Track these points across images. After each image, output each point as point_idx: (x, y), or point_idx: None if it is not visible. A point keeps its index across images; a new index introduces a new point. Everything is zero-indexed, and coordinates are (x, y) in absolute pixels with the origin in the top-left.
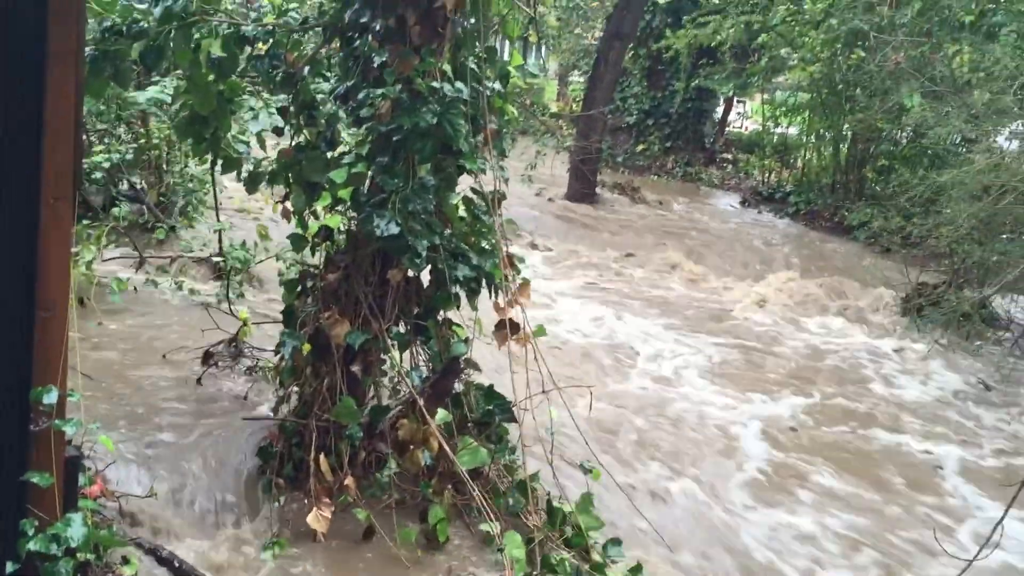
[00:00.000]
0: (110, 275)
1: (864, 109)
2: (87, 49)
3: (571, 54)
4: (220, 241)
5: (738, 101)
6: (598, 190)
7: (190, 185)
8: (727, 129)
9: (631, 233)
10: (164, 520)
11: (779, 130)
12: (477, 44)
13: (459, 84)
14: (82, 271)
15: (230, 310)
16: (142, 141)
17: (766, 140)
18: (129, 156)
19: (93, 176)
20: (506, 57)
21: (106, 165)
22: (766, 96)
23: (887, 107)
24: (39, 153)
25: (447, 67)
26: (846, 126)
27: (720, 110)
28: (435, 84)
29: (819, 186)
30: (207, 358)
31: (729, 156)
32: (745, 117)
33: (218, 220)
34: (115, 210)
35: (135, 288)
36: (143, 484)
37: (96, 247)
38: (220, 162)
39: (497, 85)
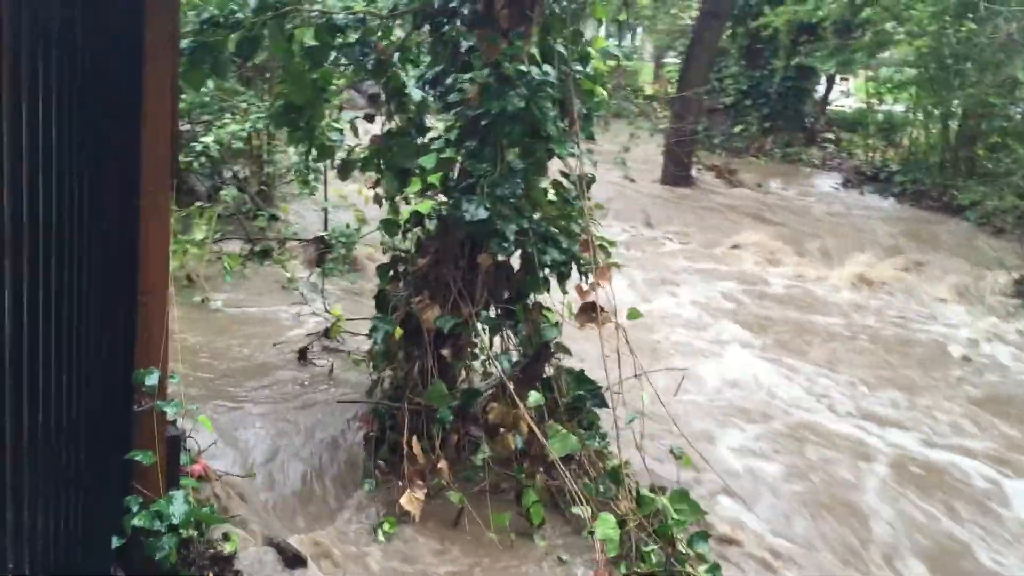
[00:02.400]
0: (215, 258)
1: (975, 84)
2: (186, 41)
3: (667, 35)
4: (326, 221)
5: (841, 79)
6: (694, 173)
7: (290, 175)
8: (828, 108)
9: (727, 216)
10: (264, 498)
11: (884, 107)
12: (565, 27)
13: (547, 68)
14: (194, 250)
15: (324, 306)
16: (244, 131)
17: (870, 118)
18: (235, 145)
19: (197, 164)
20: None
21: (213, 153)
22: (870, 73)
23: (999, 81)
24: (139, 143)
25: (535, 51)
26: (956, 102)
27: (821, 88)
28: (523, 68)
29: (927, 165)
30: (303, 354)
31: (831, 136)
32: (847, 95)
33: (325, 199)
34: (222, 192)
35: (244, 264)
36: (242, 464)
37: (207, 226)
38: (314, 150)
39: (581, 67)
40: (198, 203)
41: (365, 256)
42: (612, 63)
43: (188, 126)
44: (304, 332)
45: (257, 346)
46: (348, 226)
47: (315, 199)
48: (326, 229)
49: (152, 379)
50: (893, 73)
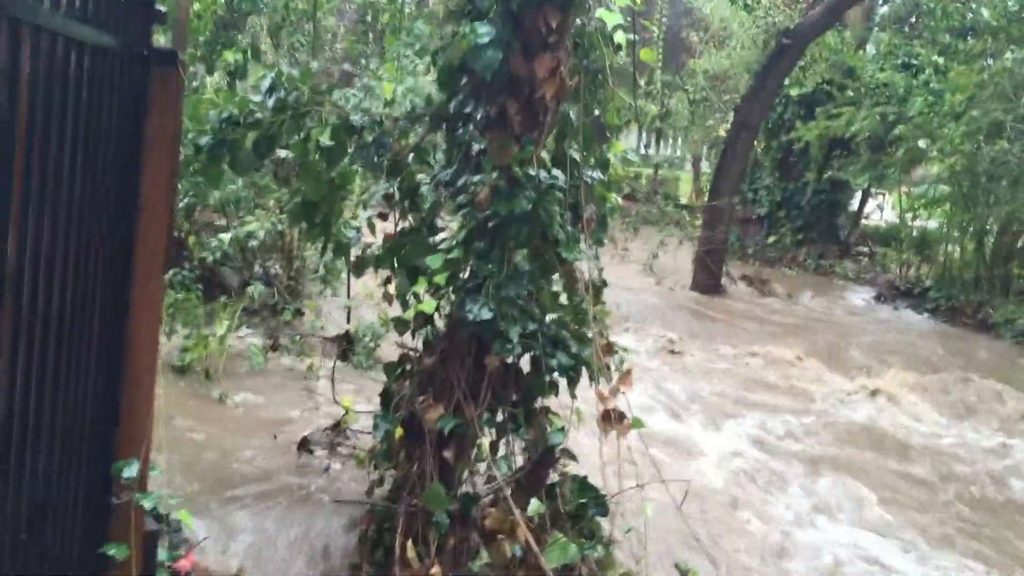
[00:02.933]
0: (242, 354)
1: (1008, 201)
2: (205, 138)
3: (701, 144)
4: (348, 316)
5: (877, 193)
6: (725, 282)
7: (319, 271)
8: (863, 221)
9: (756, 327)
10: None
11: (918, 223)
12: (579, 132)
13: (556, 172)
14: (214, 345)
15: (334, 398)
16: (273, 226)
17: (904, 233)
18: (254, 239)
19: (214, 258)
20: (636, 144)
21: (229, 250)
22: (904, 188)
23: None
24: (134, 234)
25: (546, 155)
26: (990, 219)
27: (856, 202)
28: (532, 171)
29: (961, 281)
30: (303, 445)
31: (865, 249)
32: (882, 209)
33: (348, 296)
34: (249, 288)
35: (266, 357)
36: (236, 560)
37: (229, 322)
38: (331, 247)
39: (598, 173)
40: (223, 297)
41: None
42: (633, 170)
43: (224, 221)
44: (316, 426)
45: (267, 440)
46: (371, 324)
47: (340, 298)
48: (348, 324)
49: (131, 471)
50: (927, 189)
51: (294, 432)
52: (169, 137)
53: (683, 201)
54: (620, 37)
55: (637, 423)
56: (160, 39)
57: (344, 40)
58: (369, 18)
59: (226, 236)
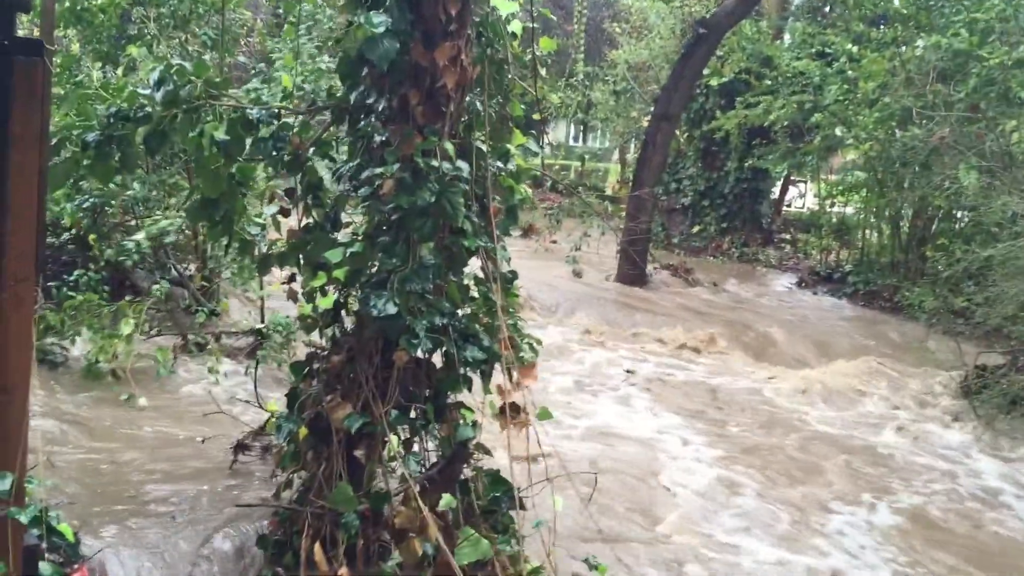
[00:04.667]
0: (151, 354)
1: (921, 186)
2: (92, 135)
3: (625, 135)
4: (262, 313)
5: (798, 181)
6: (650, 272)
7: (230, 269)
8: (785, 209)
9: (678, 316)
10: None
11: (836, 209)
12: (484, 123)
13: (460, 163)
14: (121, 346)
15: (258, 403)
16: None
17: (823, 219)
18: (169, 235)
19: (137, 257)
20: (565, 137)
21: (146, 249)
22: (824, 176)
23: (940, 183)
24: (1, 235)
25: (452, 147)
26: (905, 204)
27: (777, 190)
28: (434, 163)
29: (878, 265)
30: (237, 450)
31: (787, 236)
32: (803, 196)
33: (260, 288)
34: (155, 287)
35: (175, 359)
36: (139, 572)
37: (135, 321)
38: (235, 245)
39: (510, 165)
40: (128, 297)
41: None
42: (560, 162)
43: (134, 221)
44: (233, 427)
45: (179, 444)
46: (288, 317)
47: (254, 296)
48: (263, 321)
49: (5, 484)
50: (844, 176)
51: (210, 431)
52: (35, 133)
53: (608, 192)
54: (516, 26)
55: (544, 414)
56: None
57: (258, 35)
58: (282, 11)
59: (140, 235)
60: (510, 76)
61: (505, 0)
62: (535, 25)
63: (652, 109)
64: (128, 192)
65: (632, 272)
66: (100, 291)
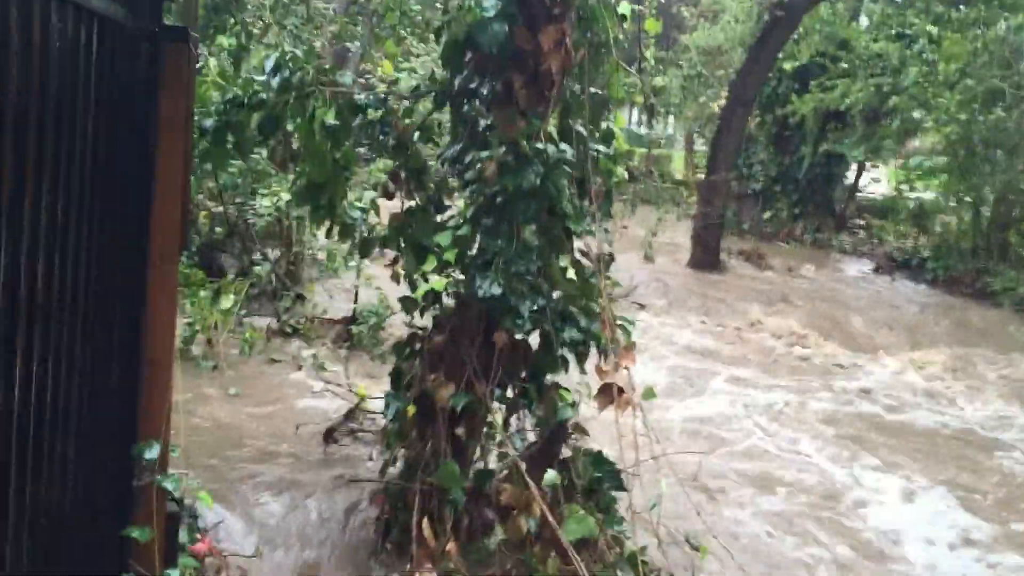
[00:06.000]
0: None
1: (1005, 170)
2: (210, 120)
3: (695, 121)
4: (356, 297)
5: (871, 166)
6: (723, 257)
7: (318, 255)
8: (858, 194)
9: (757, 301)
10: None
11: (914, 194)
12: (584, 106)
13: (563, 145)
14: (218, 318)
15: (348, 386)
16: (273, 212)
17: (900, 205)
18: (259, 225)
19: (227, 243)
20: (628, 123)
21: (260, 223)
22: (899, 160)
23: None
24: (148, 215)
25: (552, 129)
26: (987, 188)
27: (851, 175)
28: (539, 146)
29: (958, 251)
30: (328, 435)
31: (861, 222)
32: (878, 181)
33: (358, 277)
34: (256, 268)
35: (268, 340)
36: (251, 543)
37: (236, 296)
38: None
39: (603, 147)
40: (229, 277)
41: (394, 338)
42: (636, 146)
43: (220, 208)
44: (323, 412)
45: (275, 424)
46: (378, 304)
47: (340, 282)
48: (355, 305)
49: (152, 453)
50: (923, 161)
51: (303, 413)
52: (183, 116)
53: (678, 178)
54: (624, 7)
55: (649, 394)
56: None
57: (336, 22)
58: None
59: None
60: (613, 57)
61: None
62: (641, 7)
63: (724, 94)
64: (220, 179)
65: (706, 257)
66: (195, 271)
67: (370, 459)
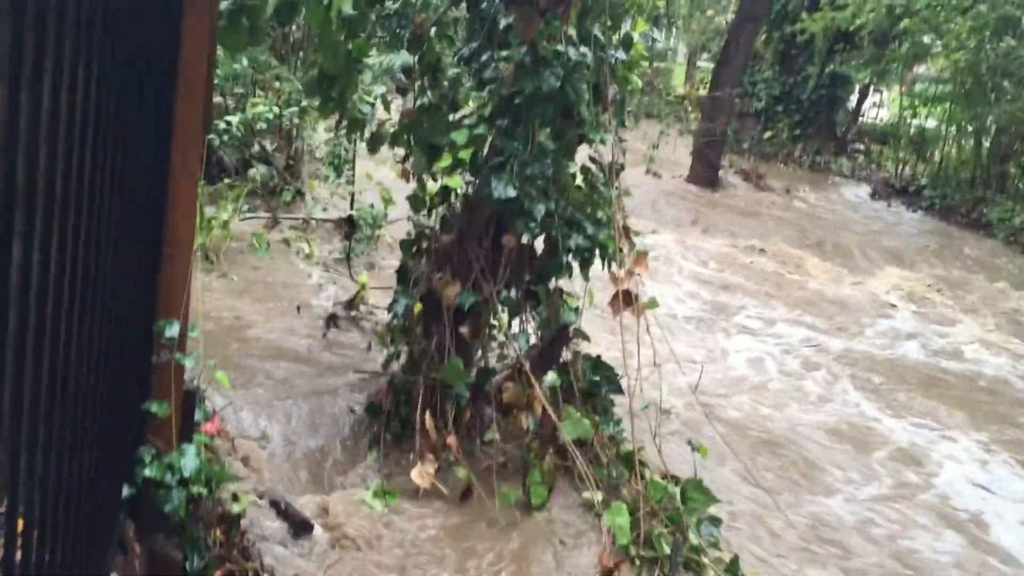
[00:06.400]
0: (242, 234)
1: (1011, 101)
2: (224, 3)
3: (701, 35)
4: (352, 201)
5: (875, 90)
6: (721, 174)
7: (316, 152)
8: (861, 118)
9: (754, 220)
10: (274, 463)
11: (916, 121)
12: (603, 10)
13: (583, 49)
14: (217, 230)
15: (350, 274)
16: (274, 107)
17: (902, 131)
18: (262, 121)
19: (227, 138)
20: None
21: (237, 132)
22: (904, 86)
23: None
24: (172, 99)
25: (572, 32)
26: (990, 118)
27: (854, 99)
28: (559, 48)
29: (957, 180)
30: (330, 321)
31: (861, 146)
32: (880, 106)
33: (353, 180)
34: (251, 171)
35: (268, 244)
36: (257, 428)
37: (234, 207)
38: (345, 122)
39: (621, 53)
40: (226, 179)
41: (388, 238)
42: (644, 56)
43: (220, 98)
44: (324, 303)
45: (276, 316)
46: (372, 206)
47: (339, 180)
48: (352, 209)
49: (172, 330)
50: (928, 87)
51: (304, 303)
52: None
53: (680, 93)
54: None
55: (652, 304)
56: None
57: None
58: None
59: (234, 119)
60: None
61: None
62: None
63: (731, 8)
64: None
65: (705, 173)
66: None
67: (368, 348)
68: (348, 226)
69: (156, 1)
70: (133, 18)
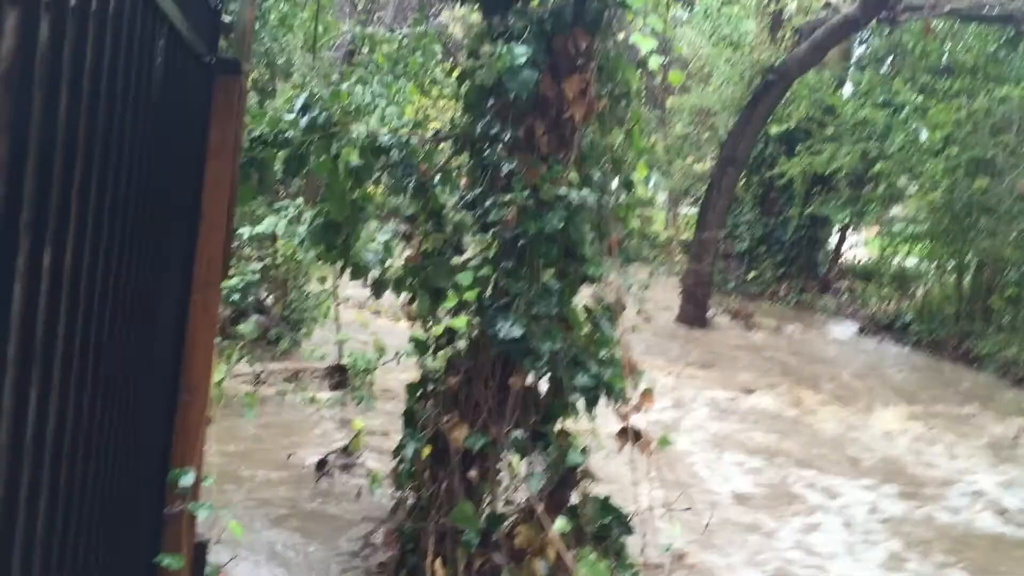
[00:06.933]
0: (236, 388)
1: (989, 236)
2: None
3: (683, 179)
4: (340, 351)
5: (853, 230)
6: (710, 315)
7: (310, 301)
8: (842, 257)
9: (749, 359)
10: None
11: (896, 259)
12: (604, 154)
13: (585, 191)
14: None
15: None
16: (268, 260)
17: (883, 268)
18: (257, 276)
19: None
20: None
21: (239, 285)
22: (883, 226)
23: (1016, 234)
24: (194, 240)
25: (575, 176)
26: (969, 254)
27: (835, 238)
28: (562, 191)
29: (942, 315)
30: (321, 466)
31: (844, 284)
32: (862, 244)
33: (338, 331)
34: (242, 327)
35: (256, 392)
36: None
37: (227, 366)
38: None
39: (622, 197)
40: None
41: (380, 387)
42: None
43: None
44: (323, 450)
45: (273, 465)
46: (364, 354)
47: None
48: (341, 357)
49: (187, 480)
50: (906, 227)
51: (301, 451)
52: (231, 146)
53: (662, 237)
54: (654, 63)
55: (664, 441)
56: None
57: (343, 69)
58: (366, 50)
59: (232, 282)
60: (634, 107)
61: (644, 38)
62: (666, 60)
63: (710, 154)
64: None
65: (695, 313)
66: None
67: (358, 495)
68: (339, 375)
69: (182, 178)
70: (161, 201)
